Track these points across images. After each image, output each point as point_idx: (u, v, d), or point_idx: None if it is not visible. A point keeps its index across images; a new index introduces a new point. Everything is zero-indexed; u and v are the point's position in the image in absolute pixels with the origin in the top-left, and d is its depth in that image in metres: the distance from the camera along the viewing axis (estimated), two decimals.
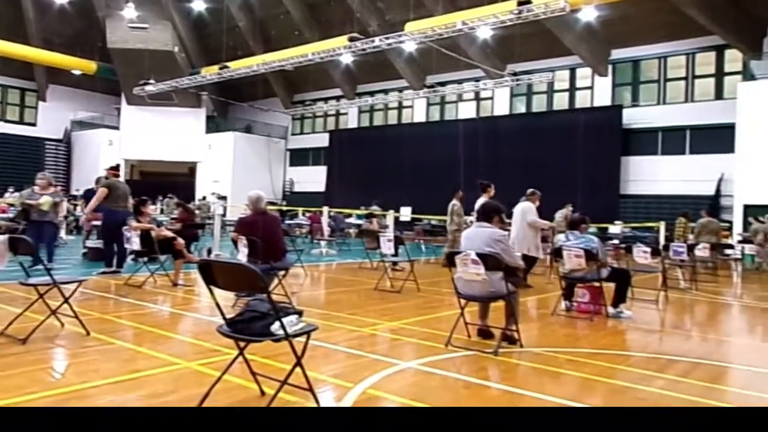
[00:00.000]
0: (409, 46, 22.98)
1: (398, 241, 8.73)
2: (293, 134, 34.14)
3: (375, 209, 16.11)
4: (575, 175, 22.28)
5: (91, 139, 31.10)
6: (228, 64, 24.09)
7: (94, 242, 10.47)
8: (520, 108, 26.23)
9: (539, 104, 25.59)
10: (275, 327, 3.13)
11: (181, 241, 7.97)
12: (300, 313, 3.35)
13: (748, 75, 19.20)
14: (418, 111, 29.23)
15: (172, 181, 29.91)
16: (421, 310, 6.72)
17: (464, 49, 23.73)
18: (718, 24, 19.43)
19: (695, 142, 20.88)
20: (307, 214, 19.06)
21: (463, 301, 5.03)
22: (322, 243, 14.09)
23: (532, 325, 6.05)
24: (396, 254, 8.95)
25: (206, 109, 32.51)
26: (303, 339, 3.23)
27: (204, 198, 21.87)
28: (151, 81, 25.57)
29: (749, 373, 4.75)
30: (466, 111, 27.59)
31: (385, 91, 29.40)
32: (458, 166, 25.76)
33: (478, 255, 4.79)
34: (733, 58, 20.54)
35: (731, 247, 13.06)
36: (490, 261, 4.82)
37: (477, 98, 27.33)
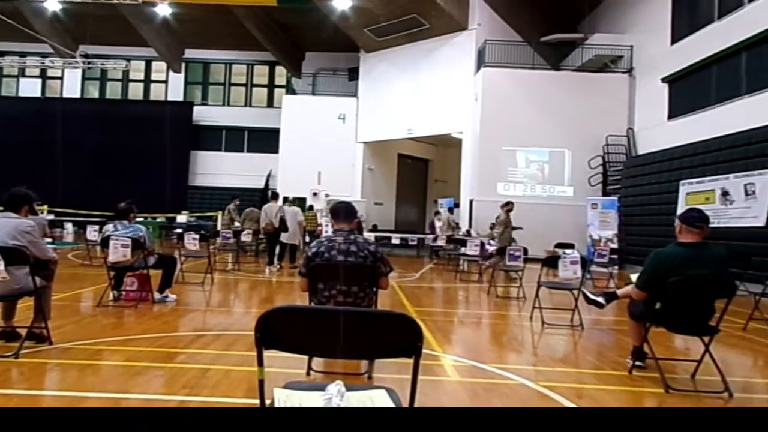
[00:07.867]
0: None
1: None
2: None
3: None
4: (147, 165, 21.69)
5: None
6: None
7: None
8: (94, 93, 23.93)
9: (114, 92, 23.86)
10: None
11: None
12: None
13: (290, 89, 22.27)
14: None
15: None
16: None
17: (28, 18, 20.14)
18: (271, 43, 21.84)
19: (252, 142, 23.06)
20: None
21: None
22: None
23: (72, 320, 5.60)
24: None
25: None
26: None
27: None
28: None
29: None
30: (30, 89, 23.56)
31: None
32: (22, 151, 21.81)
33: (1, 249, 4.15)
34: (281, 74, 23.49)
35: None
36: (15, 255, 4.24)
37: (43, 76, 23.62)
